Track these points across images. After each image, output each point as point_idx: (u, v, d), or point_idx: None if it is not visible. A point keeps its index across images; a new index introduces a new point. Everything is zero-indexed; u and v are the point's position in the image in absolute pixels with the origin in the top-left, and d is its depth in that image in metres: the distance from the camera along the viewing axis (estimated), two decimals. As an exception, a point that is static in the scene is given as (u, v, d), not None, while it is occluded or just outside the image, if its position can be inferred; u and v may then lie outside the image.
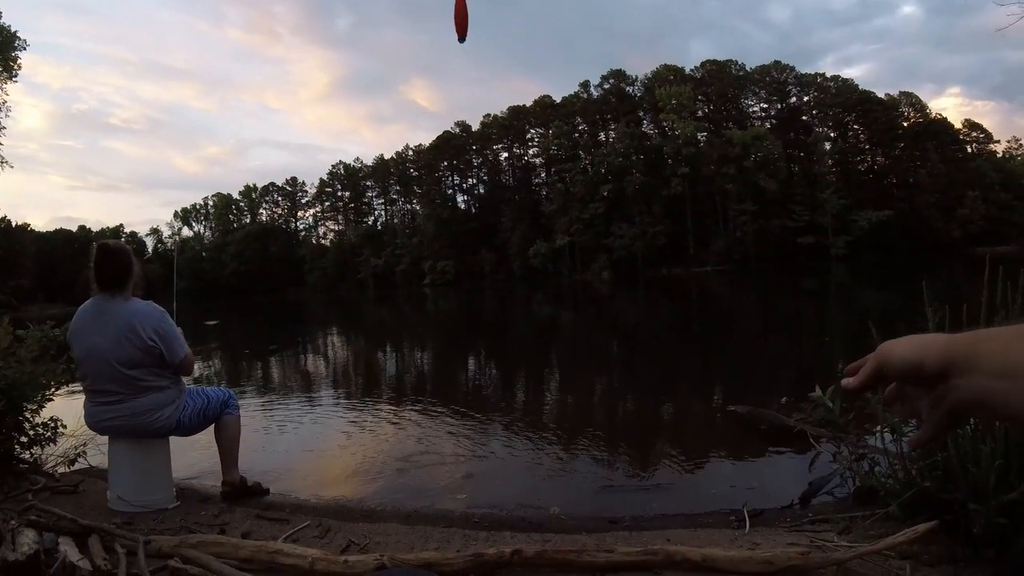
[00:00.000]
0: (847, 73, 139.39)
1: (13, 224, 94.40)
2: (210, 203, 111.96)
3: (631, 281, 58.24)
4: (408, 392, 10.48)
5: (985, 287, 3.00)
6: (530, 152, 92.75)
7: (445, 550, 3.15)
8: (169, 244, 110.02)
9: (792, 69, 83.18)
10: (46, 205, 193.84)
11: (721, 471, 5.40)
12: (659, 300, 33.55)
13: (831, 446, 4.42)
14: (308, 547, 3.13)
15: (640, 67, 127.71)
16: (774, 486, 4.64)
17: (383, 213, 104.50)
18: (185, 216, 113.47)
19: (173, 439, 4.18)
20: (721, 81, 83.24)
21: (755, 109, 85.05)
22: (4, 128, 42.52)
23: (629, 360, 13.43)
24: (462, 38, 3.40)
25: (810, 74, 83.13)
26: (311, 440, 7.17)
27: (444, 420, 7.68)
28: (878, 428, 3.53)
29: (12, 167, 43.40)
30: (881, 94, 79.44)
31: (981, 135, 79.83)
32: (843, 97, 78.70)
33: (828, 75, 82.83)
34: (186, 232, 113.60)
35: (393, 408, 8.67)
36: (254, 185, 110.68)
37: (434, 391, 10.48)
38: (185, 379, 4.34)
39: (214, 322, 29.64)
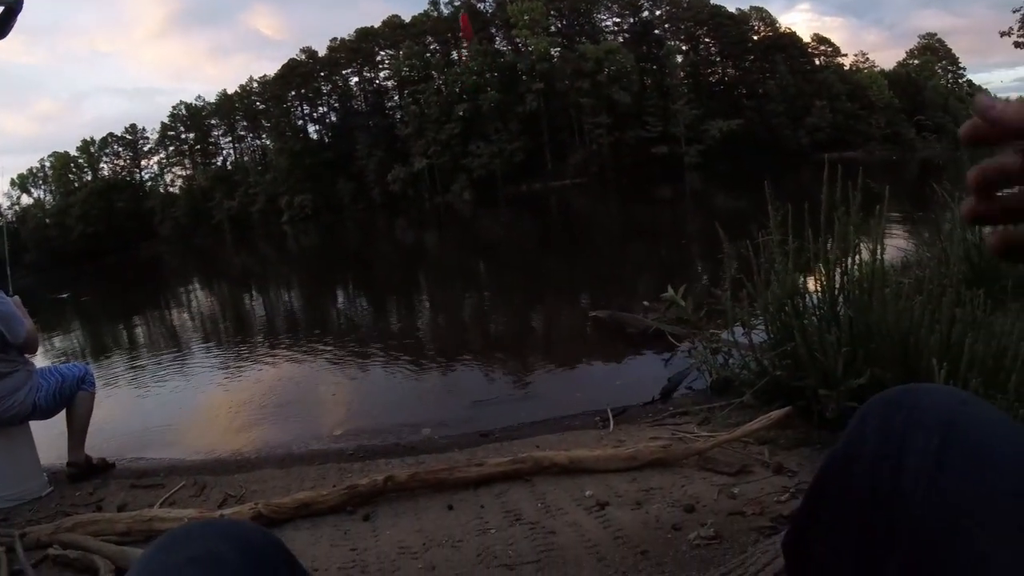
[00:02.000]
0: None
1: None
2: (47, 165, 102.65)
3: (492, 199, 58.52)
4: (279, 335, 10.31)
5: (825, 186, 3.06)
6: (381, 75, 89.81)
7: (321, 487, 3.17)
8: (10, 216, 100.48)
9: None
10: None
11: (586, 375, 5.54)
12: (521, 216, 33.96)
13: (687, 343, 4.51)
14: (184, 508, 3.16)
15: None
16: (636, 385, 4.78)
17: (232, 152, 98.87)
18: (23, 182, 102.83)
19: (34, 423, 3.98)
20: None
21: (608, 24, 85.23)
22: None
23: (494, 277, 13.52)
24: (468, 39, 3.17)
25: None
26: (183, 399, 6.97)
27: (317, 358, 7.67)
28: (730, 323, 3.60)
29: None
30: (732, 9, 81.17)
31: (829, 48, 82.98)
32: (695, 11, 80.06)
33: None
34: (26, 200, 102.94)
35: (265, 354, 8.53)
36: (92, 139, 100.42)
37: (304, 331, 10.38)
38: (32, 357, 4.08)
39: (64, 295, 27.43)
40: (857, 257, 3.07)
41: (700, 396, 4.02)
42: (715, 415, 3.42)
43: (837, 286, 3.09)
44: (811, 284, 3.24)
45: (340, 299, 14.26)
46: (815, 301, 3.17)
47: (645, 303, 6.75)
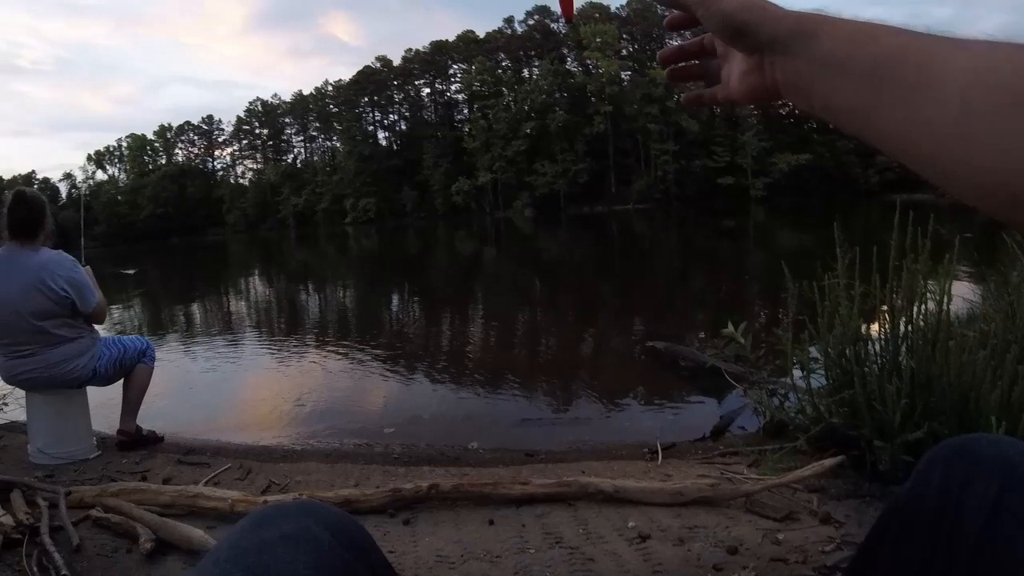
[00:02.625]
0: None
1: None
2: (124, 145, 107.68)
3: (553, 218, 58.66)
4: (332, 332, 10.43)
5: (896, 230, 2.99)
6: (452, 88, 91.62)
7: (364, 486, 3.18)
8: (83, 189, 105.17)
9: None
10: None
11: (637, 405, 5.47)
12: (581, 237, 33.87)
13: (743, 381, 4.44)
14: (229, 489, 3.14)
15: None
16: (687, 420, 4.71)
17: (303, 151, 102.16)
18: (99, 159, 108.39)
19: (91, 389, 4.12)
20: (646, 20, 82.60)
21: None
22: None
23: (551, 296, 13.50)
24: (569, 19, 3.22)
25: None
26: (235, 383, 7.17)
27: (368, 359, 7.70)
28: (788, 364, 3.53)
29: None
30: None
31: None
32: (767, 41, 79.33)
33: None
34: (100, 176, 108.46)
35: (317, 349, 8.65)
36: (169, 125, 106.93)
37: (358, 330, 10.46)
38: (100, 328, 4.25)
39: (132, 271, 28.29)
40: (923, 306, 3.00)
41: (752, 437, 3.94)
42: (766, 458, 3.35)
43: (901, 335, 3.02)
44: (874, 331, 3.17)
45: (396, 304, 14.40)
46: (877, 349, 3.10)
47: (701, 335, 6.67)
